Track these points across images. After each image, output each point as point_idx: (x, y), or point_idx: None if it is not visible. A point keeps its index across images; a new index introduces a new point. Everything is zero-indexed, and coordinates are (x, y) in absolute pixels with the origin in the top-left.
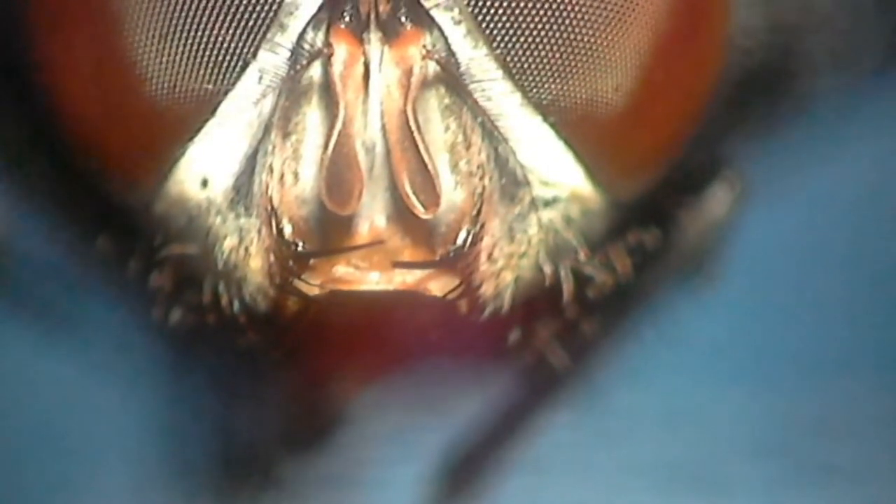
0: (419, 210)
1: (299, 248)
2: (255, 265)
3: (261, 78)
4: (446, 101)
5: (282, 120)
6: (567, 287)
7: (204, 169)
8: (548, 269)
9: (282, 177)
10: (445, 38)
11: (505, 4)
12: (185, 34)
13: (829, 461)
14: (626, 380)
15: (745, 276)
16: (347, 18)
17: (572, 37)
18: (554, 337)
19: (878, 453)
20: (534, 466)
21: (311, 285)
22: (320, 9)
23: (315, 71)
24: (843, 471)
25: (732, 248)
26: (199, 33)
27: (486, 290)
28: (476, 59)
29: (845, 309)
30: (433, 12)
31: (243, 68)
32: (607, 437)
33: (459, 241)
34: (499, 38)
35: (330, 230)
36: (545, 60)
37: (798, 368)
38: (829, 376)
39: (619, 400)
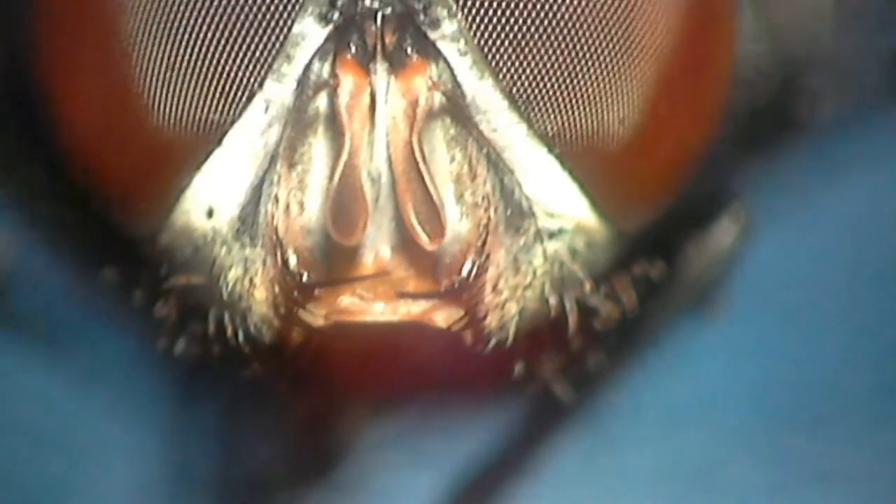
0: (424, 241)
1: (304, 279)
2: (260, 296)
3: (267, 108)
4: (452, 131)
5: (288, 150)
6: (572, 319)
7: (209, 199)
8: (553, 301)
9: (287, 207)
10: (451, 70)
11: (511, 36)
12: (191, 65)
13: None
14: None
15: (751, 306)
16: (354, 49)
17: (578, 68)
18: (559, 369)
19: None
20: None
21: (316, 316)
22: (327, 40)
23: (321, 101)
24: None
25: (738, 279)
26: (206, 64)
27: (491, 321)
28: (482, 90)
29: (852, 338)
30: (439, 44)
31: (249, 99)
32: (609, 450)
33: (464, 273)
34: (504, 70)
35: (335, 261)
36: (551, 92)
37: (801, 398)
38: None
39: (623, 432)
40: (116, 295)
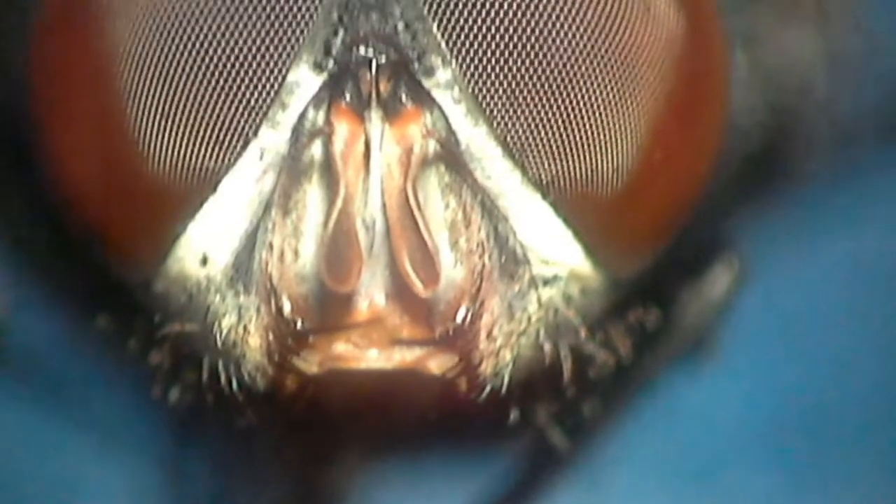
0: (418, 288)
1: (298, 326)
2: (254, 343)
3: (262, 156)
4: (446, 179)
5: (282, 197)
6: (567, 366)
7: (204, 246)
8: (547, 348)
9: (282, 254)
10: (446, 117)
11: (504, 84)
12: (186, 113)
13: None
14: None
15: (744, 354)
16: (349, 97)
17: (572, 116)
18: (554, 416)
19: None
20: None
21: (310, 363)
22: (322, 88)
23: (316, 149)
24: None
25: (731, 327)
26: (201, 112)
27: (486, 368)
28: (476, 138)
29: (845, 385)
30: (433, 92)
31: (244, 146)
32: (603, 498)
33: (459, 319)
34: (498, 117)
35: (329, 308)
36: (545, 139)
37: (800, 445)
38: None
39: (617, 479)
40: (111, 342)
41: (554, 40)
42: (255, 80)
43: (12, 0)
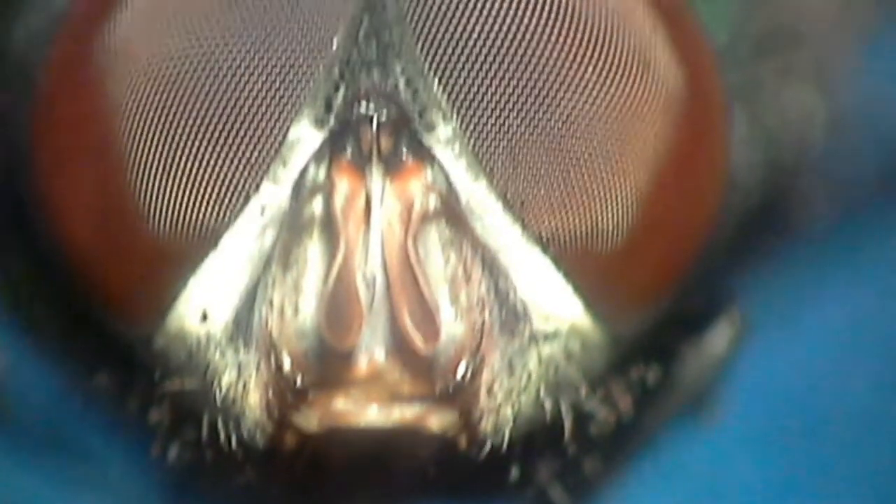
0: (419, 344)
1: (298, 382)
2: (254, 400)
3: (262, 212)
4: (447, 234)
5: (283, 253)
6: (568, 423)
7: (204, 303)
8: (548, 405)
9: (282, 310)
10: (446, 173)
11: (505, 139)
12: (187, 169)
13: None
14: None
15: (745, 410)
16: (349, 154)
17: (572, 172)
18: (554, 473)
19: None
20: None
21: (310, 420)
22: (322, 144)
23: (317, 205)
24: None
25: (733, 383)
26: (202, 169)
27: (486, 425)
28: (476, 193)
29: (846, 443)
30: (434, 148)
31: (245, 203)
32: None
33: (459, 375)
34: (499, 173)
35: (329, 364)
36: (545, 194)
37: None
38: None
39: None
40: (110, 400)
41: (554, 96)
42: (256, 136)
43: (15, 61)
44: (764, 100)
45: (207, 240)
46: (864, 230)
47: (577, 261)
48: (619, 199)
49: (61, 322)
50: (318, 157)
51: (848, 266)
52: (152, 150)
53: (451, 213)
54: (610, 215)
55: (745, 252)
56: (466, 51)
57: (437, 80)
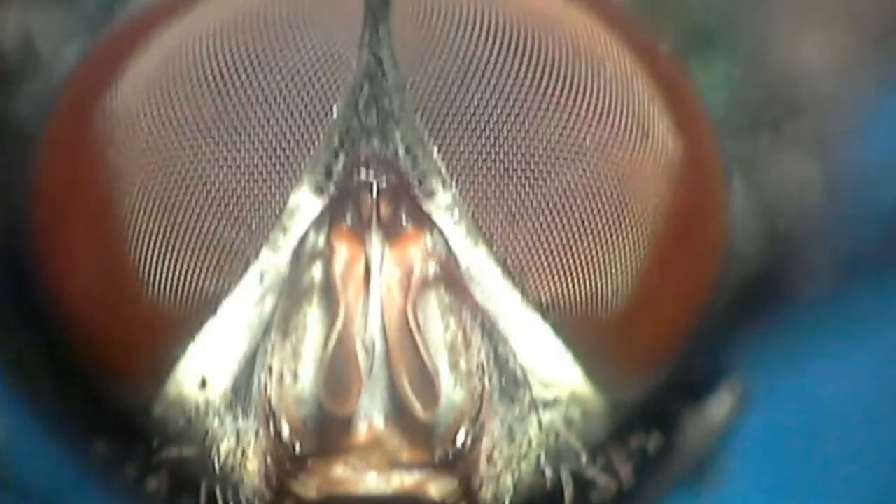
0: (418, 410)
1: (296, 450)
2: (252, 468)
3: (262, 278)
4: (446, 300)
5: (282, 320)
6: (568, 491)
7: (203, 370)
8: (548, 473)
9: (281, 377)
10: (446, 239)
11: (504, 207)
12: (187, 236)
13: None
14: None
15: (746, 477)
16: (349, 220)
17: (571, 238)
18: None
19: None
20: None
21: (308, 487)
22: (322, 211)
23: (316, 271)
24: None
25: (733, 450)
26: (202, 235)
27: (486, 493)
28: (476, 260)
29: None
30: (434, 214)
31: (245, 269)
32: None
33: (459, 442)
34: (498, 239)
35: (328, 431)
36: (544, 261)
37: None
38: None
39: None
40: (109, 468)
41: (553, 164)
42: (256, 203)
43: (16, 128)
44: (762, 168)
45: (207, 306)
46: (863, 298)
47: (577, 327)
48: (618, 265)
49: (60, 389)
50: (317, 223)
51: (848, 333)
52: (152, 216)
53: (451, 279)
54: (610, 282)
55: (744, 319)
56: (466, 118)
57: (436, 148)
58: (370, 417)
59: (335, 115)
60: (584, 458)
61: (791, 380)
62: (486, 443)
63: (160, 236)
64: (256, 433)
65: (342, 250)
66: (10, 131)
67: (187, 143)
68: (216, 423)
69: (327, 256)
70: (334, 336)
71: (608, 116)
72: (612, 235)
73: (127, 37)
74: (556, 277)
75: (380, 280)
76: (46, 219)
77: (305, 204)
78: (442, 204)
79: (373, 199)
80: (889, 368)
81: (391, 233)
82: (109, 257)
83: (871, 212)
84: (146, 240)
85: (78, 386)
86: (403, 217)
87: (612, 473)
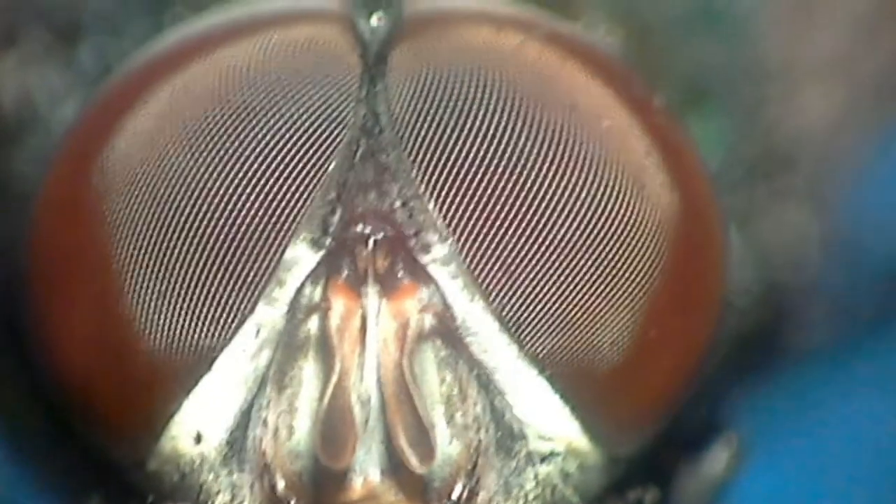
0: (414, 464)
1: None
2: None
3: (258, 332)
4: (442, 353)
5: (278, 373)
6: None
7: (198, 424)
8: None
9: (276, 431)
10: (442, 292)
11: (500, 259)
12: (183, 291)
13: None
14: None
15: None
16: (345, 274)
17: (567, 292)
18: None
19: None
20: None
21: None
22: (319, 264)
23: (312, 325)
24: None
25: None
26: (198, 289)
27: None
28: (472, 312)
29: None
30: (430, 267)
31: (241, 323)
32: None
33: (455, 496)
34: (495, 292)
35: (323, 485)
36: (541, 314)
37: None
38: None
39: None
40: None
41: (549, 218)
42: (252, 257)
43: (14, 184)
44: (759, 222)
45: (202, 360)
46: (861, 351)
47: (573, 381)
48: (615, 319)
49: (55, 443)
50: (314, 277)
51: (845, 387)
52: (148, 270)
53: (447, 332)
54: (606, 335)
55: (742, 373)
56: (462, 173)
57: (432, 202)
58: (366, 472)
59: (332, 170)
60: None
61: (788, 433)
62: (482, 496)
63: (157, 290)
64: (251, 487)
65: (338, 304)
66: (8, 187)
67: (184, 198)
68: (211, 477)
69: (323, 310)
70: (330, 389)
71: (604, 171)
72: (608, 289)
73: (124, 93)
74: (553, 331)
75: (376, 333)
76: (43, 274)
77: (302, 257)
78: (438, 257)
79: (369, 252)
80: (888, 422)
81: (387, 286)
82: (106, 312)
83: (868, 265)
84: (143, 294)
85: (72, 440)
86: (400, 270)
87: None
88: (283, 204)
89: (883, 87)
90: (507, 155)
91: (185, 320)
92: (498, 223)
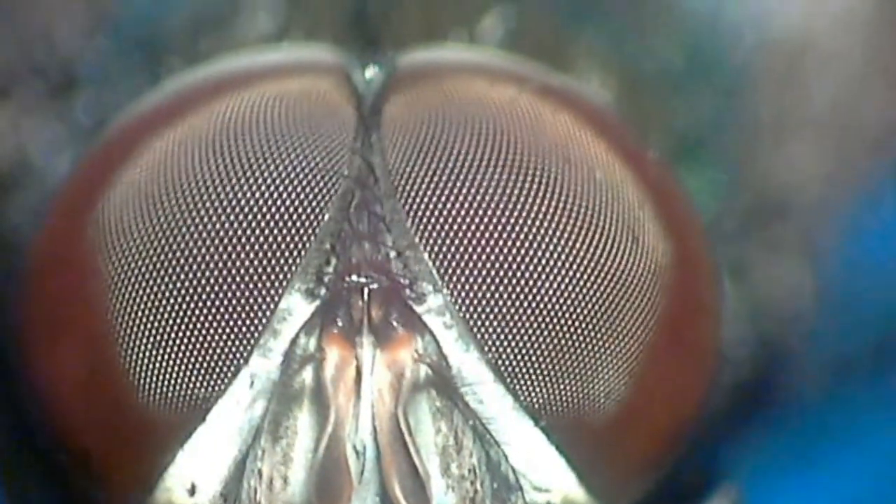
0: None
1: None
2: None
3: (252, 383)
4: (437, 403)
5: (272, 424)
6: None
7: (192, 475)
8: None
9: (271, 481)
10: (437, 342)
11: (495, 309)
12: (177, 341)
13: None
14: None
15: None
16: (340, 324)
17: (563, 342)
18: None
19: None
20: None
21: None
22: (313, 314)
23: (307, 375)
24: None
25: None
26: (192, 340)
27: None
28: (467, 363)
29: None
30: (425, 317)
31: (235, 374)
32: None
33: None
34: (490, 342)
35: None
36: (536, 365)
37: None
38: None
39: None
40: None
41: (543, 268)
42: (247, 308)
43: (6, 236)
44: (753, 273)
45: (196, 411)
46: (857, 402)
47: (569, 431)
48: (610, 369)
49: (49, 494)
50: (308, 327)
51: (841, 438)
52: (142, 322)
53: (442, 382)
54: (602, 386)
55: (737, 424)
56: (456, 223)
57: (427, 252)
58: None
59: (327, 220)
60: None
61: (785, 484)
62: None
63: (149, 341)
64: None
65: (333, 354)
66: (3, 239)
67: (178, 249)
68: None
69: (318, 360)
70: (325, 440)
71: (598, 222)
72: (603, 340)
73: (119, 146)
74: (548, 381)
75: (371, 383)
76: (37, 325)
77: (296, 308)
78: (433, 307)
79: (364, 302)
80: (883, 474)
81: (382, 336)
82: (99, 363)
83: (863, 316)
84: (136, 345)
85: (66, 491)
86: (394, 320)
87: None
88: (278, 254)
89: (874, 139)
90: (500, 206)
91: (179, 371)
92: (492, 273)
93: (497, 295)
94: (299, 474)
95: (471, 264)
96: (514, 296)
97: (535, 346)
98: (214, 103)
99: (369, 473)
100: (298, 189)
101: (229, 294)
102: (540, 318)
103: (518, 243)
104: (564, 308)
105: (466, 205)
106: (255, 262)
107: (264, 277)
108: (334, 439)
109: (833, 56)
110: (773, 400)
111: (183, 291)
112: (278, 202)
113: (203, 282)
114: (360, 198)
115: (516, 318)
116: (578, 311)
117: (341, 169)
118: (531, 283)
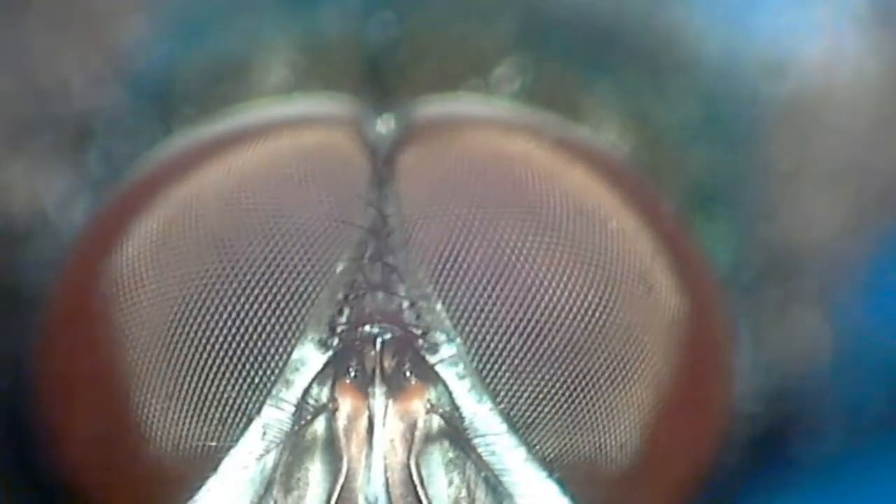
0: None
1: None
2: None
3: (264, 434)
4: (450, 454)
5: (284, 475)
6: None
7: None
8: None
9: None
10: (450, 393)
11: (509, 361)
12: (190, 393)
13: None
14: None
15: None
16: (353, 374)
17: (576, 394)
18: None
19: None
20: None
21: None
22: (326, 365)
23: (319, 426)
24: None
25: None
26: (205, 391)
27: None
28: (480, 414)
29: None
30: (437, 367)
31: (247, 424)
32: None
33: None
34: (503, 393)
35: None
36: (549, 416)
37: None
38: None
39: None
40: None
41: (557, 319)
42: (259, 359)
43: (20, 288)
44: (768, 325)
45: (208, 462)
46: (873, 457)
47: (582, 483)
48: (623, 421)
49: None
50: (321, 378)
51: (857, 493)
52: (155, 372)
53: (455, 433)
54: (615, 437)
55: (752, 478)
56: (469, 274)
57: (440, 303)
58: None
59: (340, 271)
60: None
61: None
62: None
63: (163, 393)
64: None
65: (345, 404)
66: (17, 291)
67: (191, 299)
68: None
69: (331, 410)
70: (337, 491)
71: (611, 273)
72: (616, 391)
73: (133, 198)
74: (561, 433)
75: (383, 434)
76: (49, 377)
77: (309, 358)
78: (446, 357)
79: (377, 352)
80: None
81: (395, 386)
82: (112, 413)
83: (880, 369)
84: (149, 396)
85: None
86: (407, 371)
87: None
88: (291, 304)
89: (891, 190)
90: (514, 257)
91: (191, 422)
92: (505, 324)
93: (510, 346)
94: None
95: (484, 315)
96: (526, 346)
97: (548, 397)
98: (228, 155)
99: None
100: (312, 240)
101: (242, 345)
102: (553, 369)
103: (531, 294)
104: (577, 359)
105: (479, 255)
106: (269, 313)
107: (277, 328)
108: (347, 490)
109: (849, 108)
110: (789, 453)
111: (196, 342)
112: (291, 252)
113: (216, 332)
114: (373, 248)
115: (529, 368)
116: (592, 361)
117: (355, 219)
118: (544, 333)
